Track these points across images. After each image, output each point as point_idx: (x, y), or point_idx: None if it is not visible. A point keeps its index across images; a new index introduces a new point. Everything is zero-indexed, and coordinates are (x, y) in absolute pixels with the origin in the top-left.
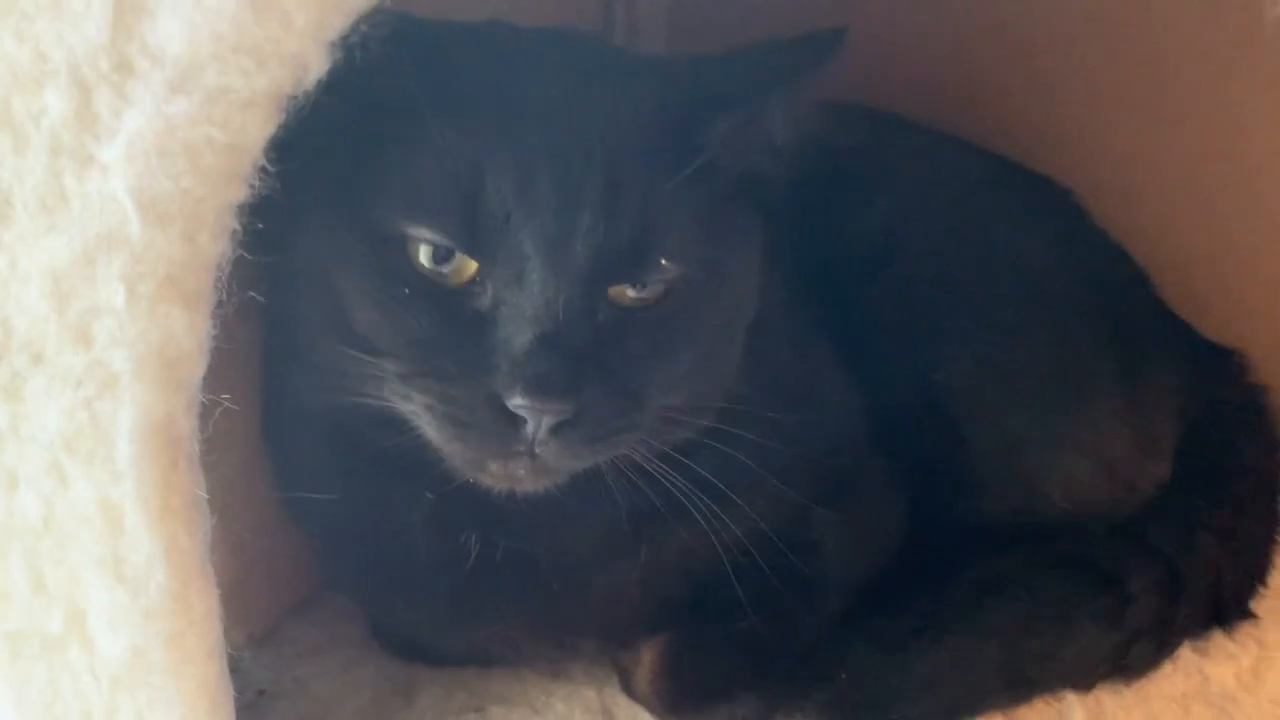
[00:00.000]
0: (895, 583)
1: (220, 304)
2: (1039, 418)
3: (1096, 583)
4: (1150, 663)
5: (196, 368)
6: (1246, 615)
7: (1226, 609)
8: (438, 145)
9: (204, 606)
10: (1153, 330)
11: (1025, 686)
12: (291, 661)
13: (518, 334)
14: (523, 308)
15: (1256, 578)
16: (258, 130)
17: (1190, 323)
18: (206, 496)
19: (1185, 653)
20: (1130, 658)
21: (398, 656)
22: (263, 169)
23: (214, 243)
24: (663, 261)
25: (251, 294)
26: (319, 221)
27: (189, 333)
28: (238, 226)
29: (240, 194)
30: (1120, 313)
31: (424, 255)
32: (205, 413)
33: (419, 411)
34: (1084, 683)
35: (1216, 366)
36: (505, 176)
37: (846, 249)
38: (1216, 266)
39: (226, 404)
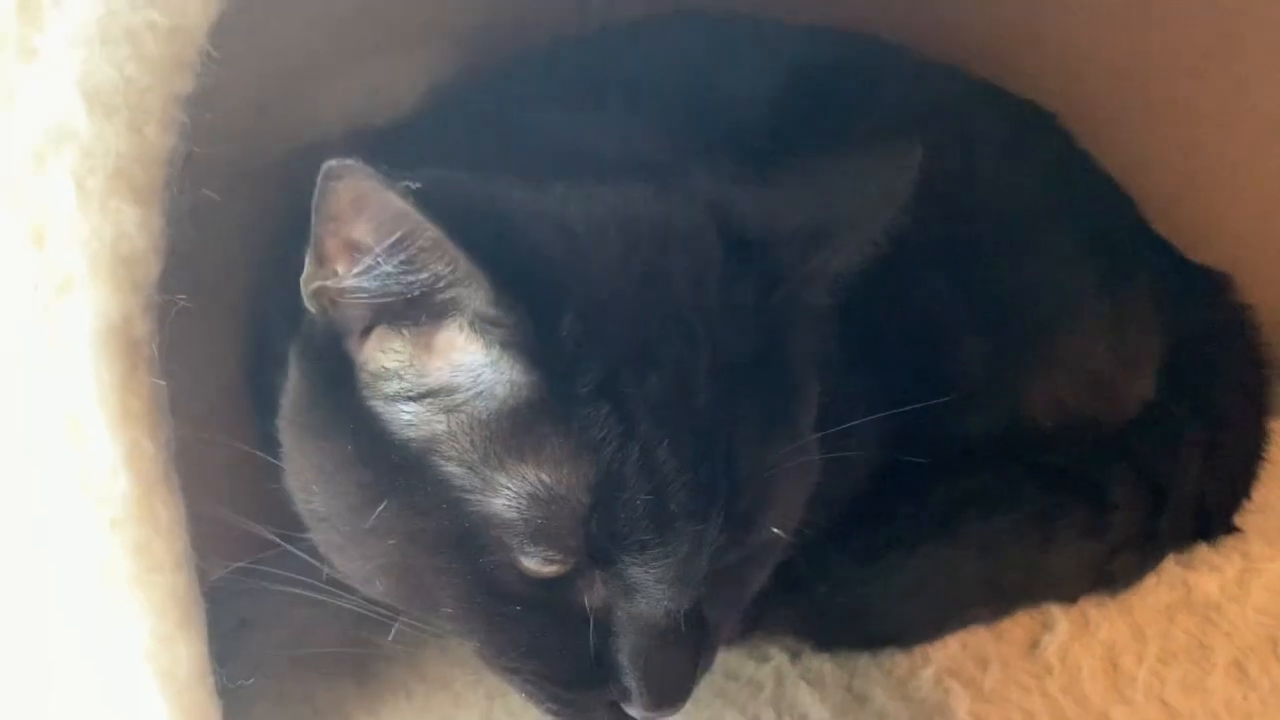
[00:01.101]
0: (877, 499)
1: (173, 202)
2: (1021, 336)
3: (1078, 493)
4: (1134, 574)
5: (151, 267)
6: (1230, 529)
7: (1211, 522)
8: (554, 459)
9: (169, 515)
10: (1135, 250)
11: (1007, 598)
12: (272, 591)
13: (638, 647)
14: (642, 619)
15: (1241, 492)
16: (199, 13)
17: (1176, 245)
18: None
19: (1169, 565)
20: (1113, 569)
21: None
22: (207, 54)
23: (162, 135)
24: (774, 530)
25: (206, 191)
26: (404, 517)
27: (141, 229)
28: (185, 119)
29: (186, 84)
30: (1102, 232)
31: (531, 565)
32: (163, 313)
33: (514, 686)
34: (1067, 594)
35: (1202, 287)
36: (640, 507)
37: None
38: (1202, 188)
39: (183, 303)
